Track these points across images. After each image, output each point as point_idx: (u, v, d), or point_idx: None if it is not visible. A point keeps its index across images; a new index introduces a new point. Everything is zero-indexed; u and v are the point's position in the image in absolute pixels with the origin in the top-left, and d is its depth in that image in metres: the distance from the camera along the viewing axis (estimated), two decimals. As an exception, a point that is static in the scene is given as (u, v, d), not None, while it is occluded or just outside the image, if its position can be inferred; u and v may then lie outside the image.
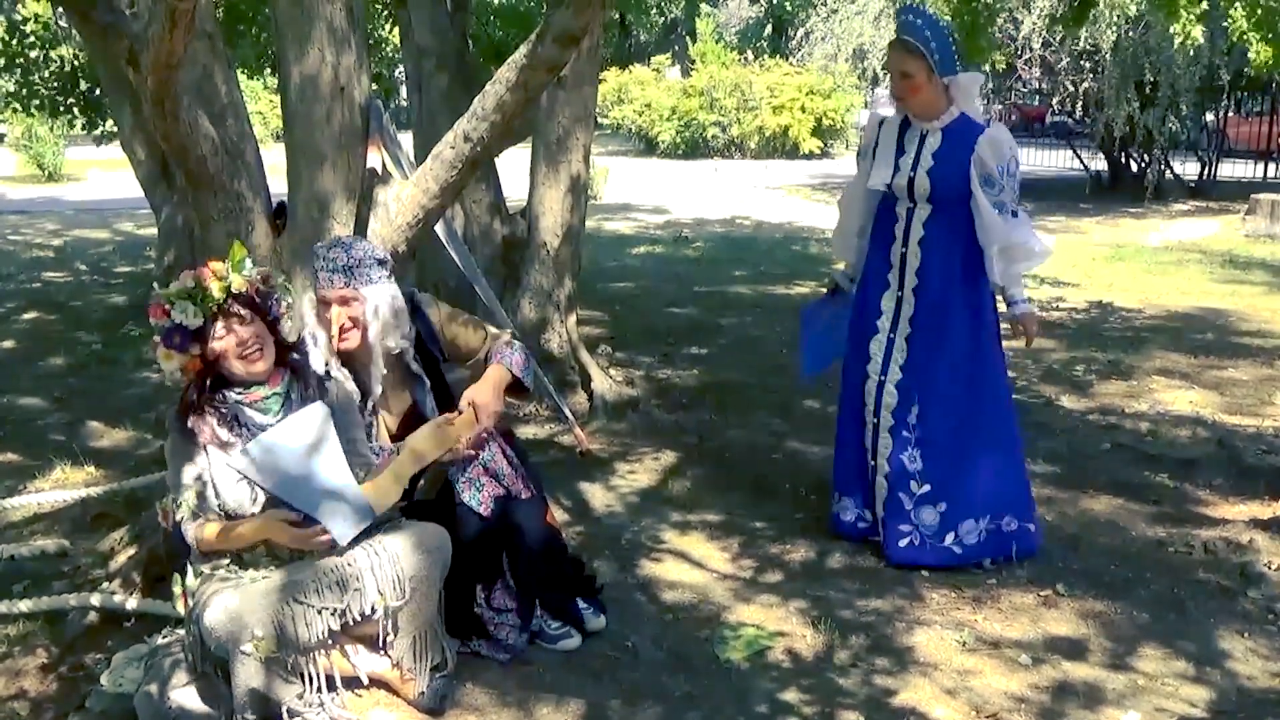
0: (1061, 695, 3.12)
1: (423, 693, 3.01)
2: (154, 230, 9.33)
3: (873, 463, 3.97)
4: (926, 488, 3.87)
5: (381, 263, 3.28)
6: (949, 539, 3.87)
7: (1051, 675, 3.22)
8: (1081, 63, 14.89)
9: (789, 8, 28.08)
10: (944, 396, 3.86)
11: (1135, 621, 3.54)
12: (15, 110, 12.88)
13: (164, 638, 3.12)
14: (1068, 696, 3.11)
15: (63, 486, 4.65)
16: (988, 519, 3.89)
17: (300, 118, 3.79)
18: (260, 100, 24.24)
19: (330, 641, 2.90)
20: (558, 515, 4.17)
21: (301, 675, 2.87)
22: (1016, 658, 3.32)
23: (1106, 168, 18.23)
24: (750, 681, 3.19)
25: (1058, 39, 13.73)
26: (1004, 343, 4.03)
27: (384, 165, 3.87)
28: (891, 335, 3.91)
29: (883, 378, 3.91)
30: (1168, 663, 3.29)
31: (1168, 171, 16.95)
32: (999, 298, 3.93)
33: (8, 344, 7.45)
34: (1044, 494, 4.60)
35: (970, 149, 3.71)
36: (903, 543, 3.89)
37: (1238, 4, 6.57)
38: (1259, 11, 6.31)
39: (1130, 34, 12.07)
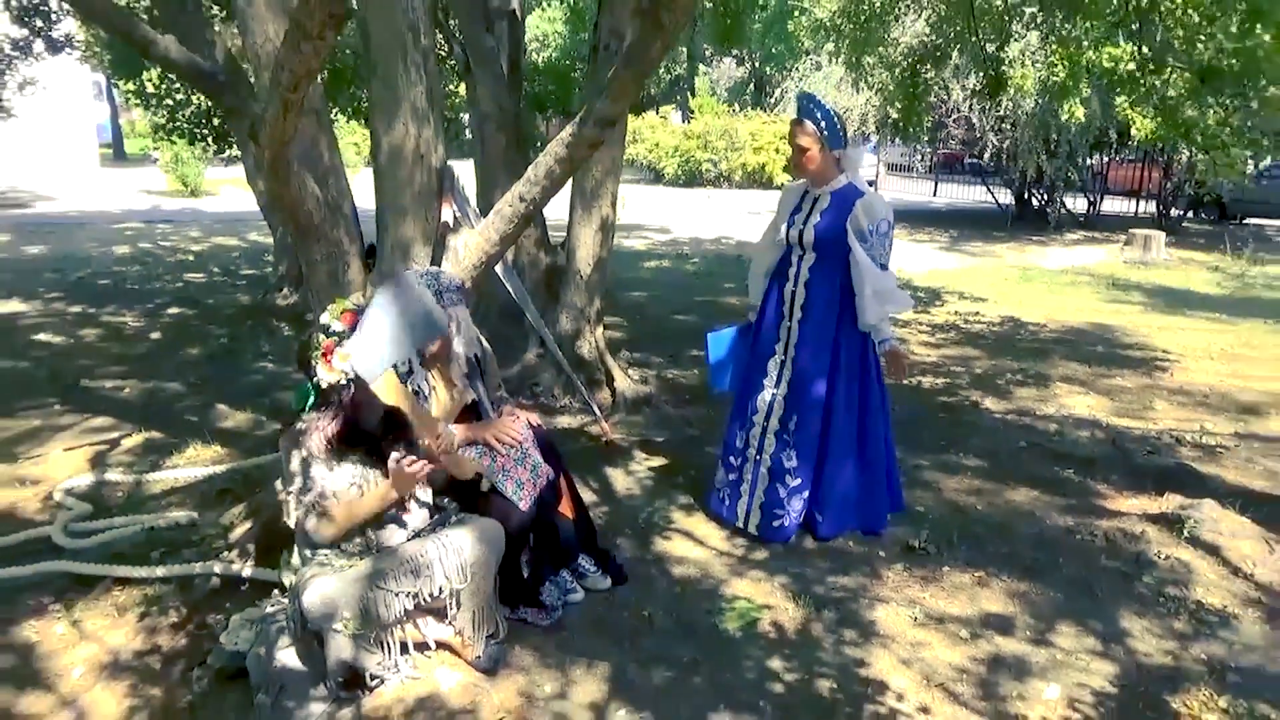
0: (996, 667, 2.95)
1: (479, 656, 2.86)
2: (273, 240, 9.14)
3: (758, 458, 3.82)
4: (798, 481, 3.74)
5: (460, 288, 3.21)
6: (801, 518, 3.81)
7: (987, 649, 3.05)
8: (1002, 124, 14.59)
9: (769, 71, 27.73)
10: (814, 407, 3.71)
11: (1053, 601, 3.36)
12: (162, 139, 12.87)
13: (272, 605, 2.96)
14: (1001, 669, 2.94)
15: (194, 463, 4.48)
16: (805, 497, 3.79)
17: (388, 178, 3.61)
18: (356, 133, 23.93)
19: (405, 618, 2.75)
20: (586, 497, 4.01)
21: (382, 645, 2.72)
22: (958, 632, 3.15)
23: (1014, 203, 17.92)
24: (744, 649, 3.02)
25: (986, 106, 13.45)
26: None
27: (455, 218, 3.69)
28: (783, 358, 3.77)
29: (775, 391, 3.77)
30: (1080, 639, 3.11)
31: (1063, 208, 16.67)
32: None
33: (155, 336, 7.27)
34: (975, 485, 4.43)
35: (850, 210, 3.59)
36: (775, 524, 3.77)
37: (1118, 93, 6.44)
38: (1137, 94, 6.18)
39: (1040, 103, 11.82)
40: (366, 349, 2.77)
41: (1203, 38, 5.04)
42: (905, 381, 6.22)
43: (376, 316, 2.82)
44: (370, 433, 2.83)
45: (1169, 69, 5.69)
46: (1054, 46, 6.95)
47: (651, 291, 9.71)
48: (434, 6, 6.78)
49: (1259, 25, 4.02)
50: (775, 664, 2.94)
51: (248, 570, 3.29)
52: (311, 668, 2.70)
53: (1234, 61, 4.54)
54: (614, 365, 5.67)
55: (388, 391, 2.82)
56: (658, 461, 4.63)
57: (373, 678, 2.70)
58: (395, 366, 2.95)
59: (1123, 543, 3.82)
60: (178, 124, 11.10)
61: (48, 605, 3.16)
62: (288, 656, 2.72)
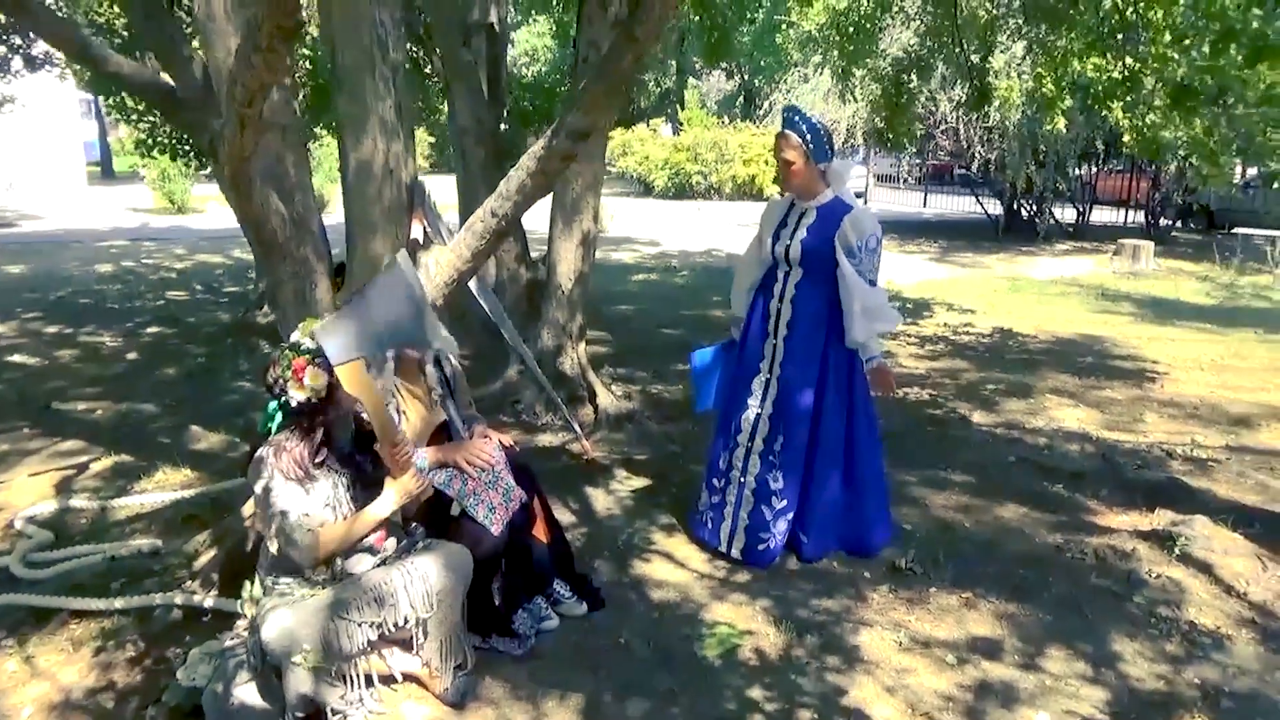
0: (983, 694, 2.85)
1: (448, 688, 2.76)
2: (254, 256, 9.00)
3: (742, 479, 3.70)
4: (784, 503, 3.64)
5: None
6: (785, 540, 3.69)
7: (974, 675, 2.95)
8: (990, 135, 14.58)
9: (758, 83, 27.77)
10: (800, 425, 3.60)
11: (1042, 623, 3.27)
12: (143, 155, 12.77)
13: (232, 638, 2.86)
14: (988, 696, 2.84)
15: (163, 487, 4.35)
16: (790, 519, 3.68)
17: (357, 194, 3.51)
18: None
19: (369, 649, 2.64)
20: (564, 518, 3.92)
21: (344, 678, 2.62)
22: (944, 657, 3.05)
23: (1003, 214, 17.90)
24: (723, 678, 2.92)
25: (973, 117, 13.44)
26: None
27: (425, 234, 3.60)
28: (768, 376, 3.66)
29: (760, 410, 3.67)
30: (1070, 664, 3.02)
31: (1051, 218, 16.65)
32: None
33: (132, 355, 7.12)
34: (962, 501, 4.34)
35: (837, 225, 3.49)
36: (760, 547, 3.64)
37: (1114, 104, 6.39)
38: (1123, 103, 6.15)
39: (1028, 113, 11.79)
40: (340, 329, 2.57)
41: (1175, 55, 5.01)
42: (892, 395, 6.13)
43: (363, 301, 2.66)
44: (343, 451, 2.73)
45: (1154, 81, 5.65)
46: (1040, 57, 6.92)
47: (638, 305, 9.62)
48: (412, 20, 6.71)
49: (1232, 45, 3.98)
50: (755, 693, 2.84)
51: (209, 601, 3.17)
52: (271, 703, 2.59)
53: (1207, 79, 4.50)
54: (596, 381, 5.58)
55: (350, 381, 2.62)
56: (639, 481, 4.53)
57: (334, 712, 2.60)
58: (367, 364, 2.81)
59: (1113, 561, 3.72)
60: (159, 139, 11.00)
61: (0, 640, 3.04)
62: (246, 693, 2.61)
